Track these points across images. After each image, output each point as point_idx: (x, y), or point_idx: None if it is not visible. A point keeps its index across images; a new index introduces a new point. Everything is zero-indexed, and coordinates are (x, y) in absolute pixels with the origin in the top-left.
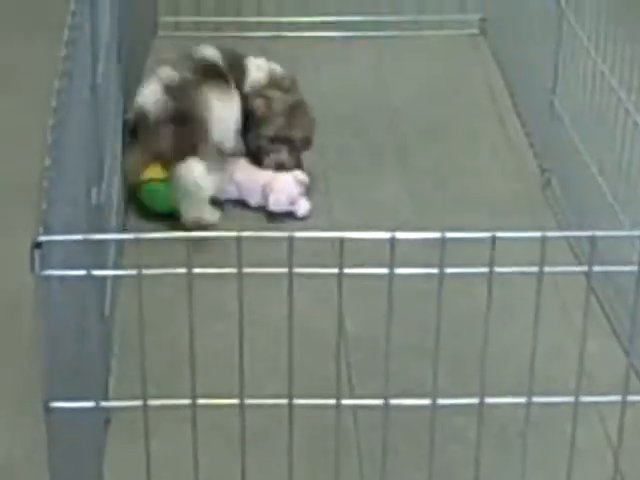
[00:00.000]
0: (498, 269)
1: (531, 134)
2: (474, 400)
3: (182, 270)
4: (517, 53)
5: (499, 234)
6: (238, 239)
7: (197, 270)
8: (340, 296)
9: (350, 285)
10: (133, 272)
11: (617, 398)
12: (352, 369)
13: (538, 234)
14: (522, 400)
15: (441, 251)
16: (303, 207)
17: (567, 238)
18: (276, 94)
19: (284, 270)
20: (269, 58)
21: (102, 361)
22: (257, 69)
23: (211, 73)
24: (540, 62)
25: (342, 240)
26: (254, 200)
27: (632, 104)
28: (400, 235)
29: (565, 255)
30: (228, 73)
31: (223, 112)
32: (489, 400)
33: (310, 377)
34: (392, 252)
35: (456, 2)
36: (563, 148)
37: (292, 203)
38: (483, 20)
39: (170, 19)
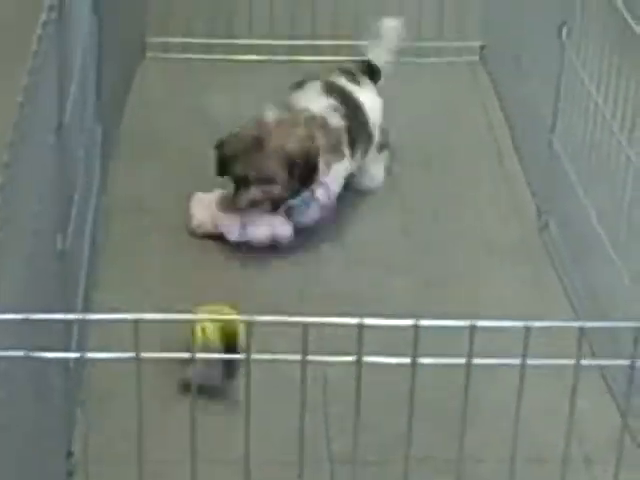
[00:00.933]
0: (477, 361)
1: (529, 172)
2: None
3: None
4: (517, 84)
5: (479, 323)
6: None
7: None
8: (304, 384)
9: None
10: (76, 355)
11: None
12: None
13: (521, 324)
14: None
15: (414, 340)
16: (284, 234)
17: (563, 285)
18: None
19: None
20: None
21: (65, 427)
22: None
23: None
24: (540, 96)
25: (306, 325)
26: (233, 236)
27: (633, 152)
28: (368, 322)
29: (561, 306)
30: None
31: None
32: None
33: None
34: (360, 341)
35: (455, 29)
36: (562, 190)
37: (274, 229)
38: (483, 47)
39: (159, 40)
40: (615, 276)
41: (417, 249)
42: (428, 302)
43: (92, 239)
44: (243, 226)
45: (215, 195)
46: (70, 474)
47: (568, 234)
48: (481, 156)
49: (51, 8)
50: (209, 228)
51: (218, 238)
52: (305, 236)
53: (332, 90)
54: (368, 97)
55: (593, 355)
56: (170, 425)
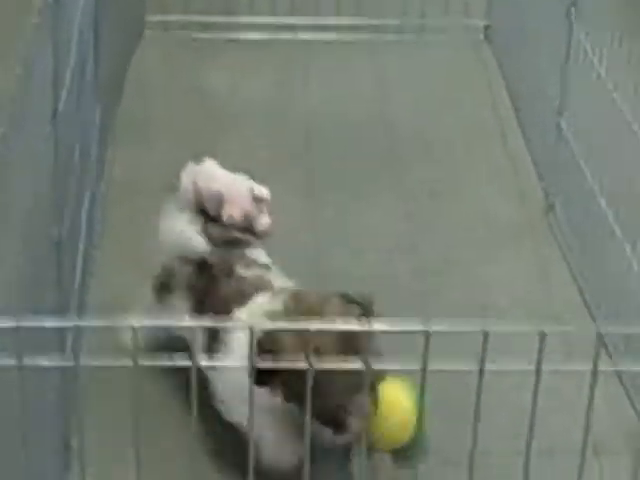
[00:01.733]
0: (490, 366)
1: (535, 153)
2: None
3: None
4: (523, 65)
5: (492, 329)
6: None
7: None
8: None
9: None
10: (69, 363)
11: None
12: None
13: (535, 330)
14: None
15: (425, 348)
16: (261, 225)
17: (570, 268)
18: None
19: None
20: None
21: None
22: None
23: None
24: (547, 78)
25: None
26: (213, 210)
27: None
28: (378, 326)
29: (568, 290)
30: None
31: None
32: None
33: None
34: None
35: (461, 7)
36: (569, 172)
37: (248, 219)
38: (488, 27)
39: (158, 18)
40: (624, 260)
41: (420, 233)
42: (433, 287)
43: (89, 225)
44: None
45: (204, 166)
46: (67, 467)
47: (575, 217)
48: (486, 137)
49: None
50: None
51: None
52: (303, 220)
53: None
54: None
55: (606, 350)
56: (170, 420)
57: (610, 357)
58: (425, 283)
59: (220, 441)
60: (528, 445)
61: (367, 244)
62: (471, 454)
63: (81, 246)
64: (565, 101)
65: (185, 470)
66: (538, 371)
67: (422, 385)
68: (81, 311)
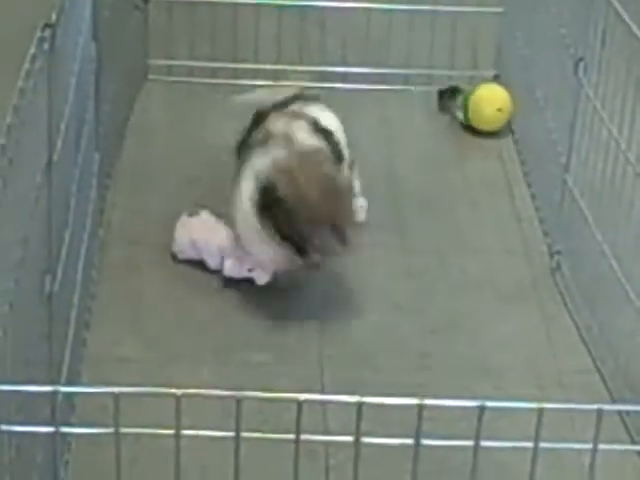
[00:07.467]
0: (485, 443)
1: (541, 209)
2: None
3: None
4: (530, 117)
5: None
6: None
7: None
8: (297, 463)
9: None
10: (50, 429)
11: None
12: None
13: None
14: None
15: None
16: (264, 275)
17: (579, 330)
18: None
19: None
20: None
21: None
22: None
23: None
24: (555, 132)
25: (300, 403)
26: (213, 262)
27: None
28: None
29: (577, 352)
30: None
31: None
32: None
33: None
34: (358, 421)
35: (469, 57)
36: (576, 230)
37: (250, 270)
38: (497, 77)
39: (162, 62)
40: (636, 322)
41: (423, 292)
42: (436, 346)
43: (85, 274)
44: (220, 257)
45: (199, 218)
46: None
47: (582, 277)
48: (491, 191)
49: (42, 40)
50: (190, 254)
51: (200, 263)
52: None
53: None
54: (331, 119)
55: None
56: None
57: (627, 429)
58: (428, 345)
59: None
60: None
61: (368, 304)
62: None
63: (76, 297)
64: (572, 157)
65: None
66: (535, 449)
67: (415, 459)
68: (74, 368)
